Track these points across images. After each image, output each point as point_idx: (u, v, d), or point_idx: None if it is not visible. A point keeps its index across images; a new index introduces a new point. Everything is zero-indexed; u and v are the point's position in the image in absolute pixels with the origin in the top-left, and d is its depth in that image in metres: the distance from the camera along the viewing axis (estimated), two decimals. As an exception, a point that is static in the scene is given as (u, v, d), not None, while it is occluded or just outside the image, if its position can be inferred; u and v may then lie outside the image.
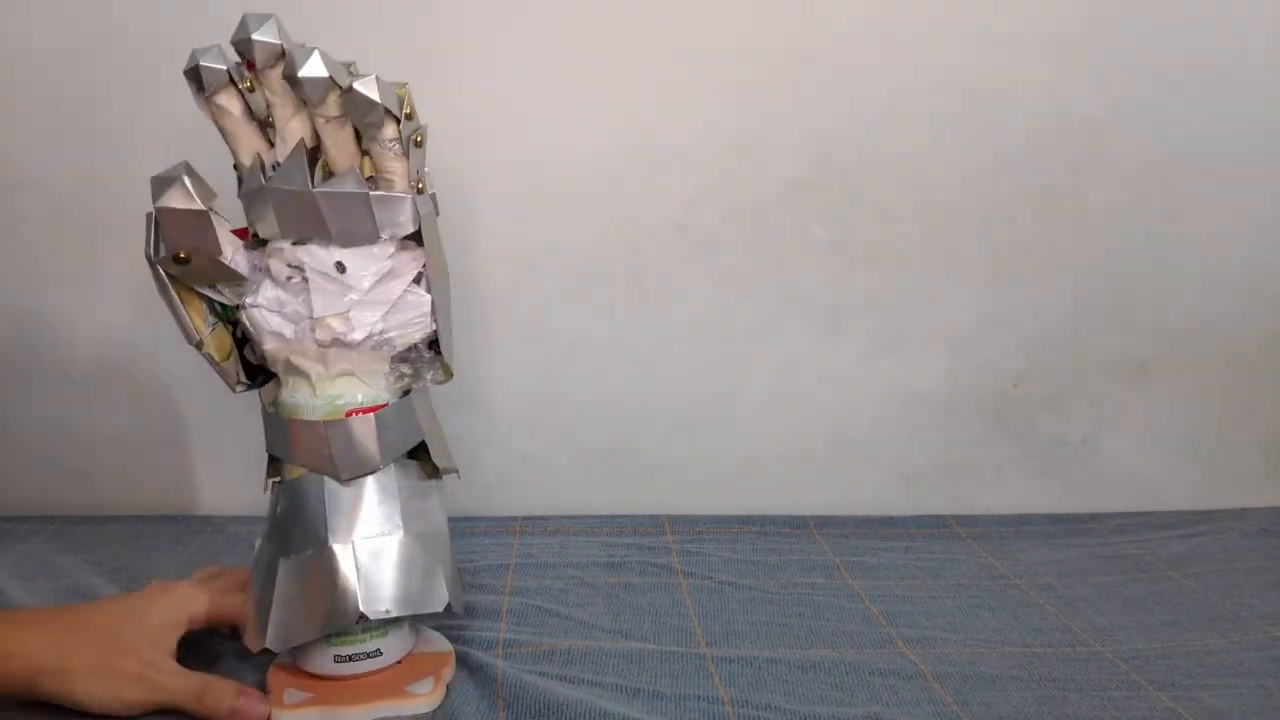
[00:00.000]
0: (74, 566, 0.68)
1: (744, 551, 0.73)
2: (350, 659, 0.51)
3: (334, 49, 0.46)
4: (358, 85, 0.45)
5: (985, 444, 0.82)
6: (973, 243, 0.78)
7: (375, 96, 0.45)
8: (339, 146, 0.48)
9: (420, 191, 0.50)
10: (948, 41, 0.73)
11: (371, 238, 0.49)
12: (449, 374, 0.53)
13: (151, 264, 0.48)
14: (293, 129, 0.47)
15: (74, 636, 0.48)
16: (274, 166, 0.48)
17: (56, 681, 0.47)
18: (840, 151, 0.75)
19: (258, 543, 0.53)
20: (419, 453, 0.54)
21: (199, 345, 0.50)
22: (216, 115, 0.47)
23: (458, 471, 0.56)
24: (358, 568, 0.49)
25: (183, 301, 0.49)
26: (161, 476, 0.80)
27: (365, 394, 0.51)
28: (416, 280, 0.51)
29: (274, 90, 0.47)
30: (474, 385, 0.78)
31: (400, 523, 0.51)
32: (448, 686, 0.53)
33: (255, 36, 0.44)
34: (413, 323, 0.51)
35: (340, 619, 0.49)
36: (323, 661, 0.51)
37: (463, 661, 0.55)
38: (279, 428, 0.51)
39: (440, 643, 0.56)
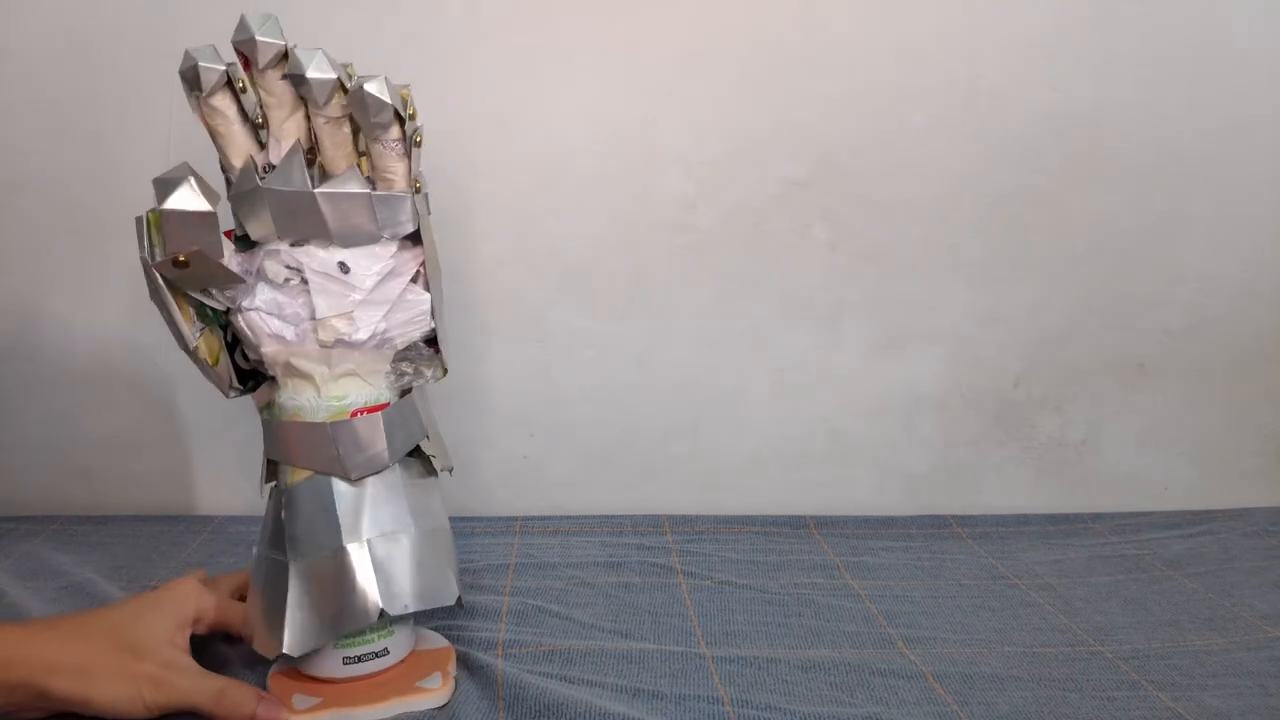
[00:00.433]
0: (74, 566, 0.68)
1: (744, 551, 0.73)
2: (359, 660, 0.51)
3: (331, 49, 0.46)
4: (369, 86, 0.45)
5: (985, 444, 0.83)
6: (972, 243, 0.78)
7: (386, 97, 0.45)
8: (338, 146, 0.48)
9: (417, 191, 0.50)
10: (948, 41, 0.73)
11: (372, 237, 0.49)
12: (444, 370, 0.54)
13: (147, 268, 0.47)
14: (288, 130, 0.47)
15: (87, 638, 0.47)
16: (265, 168, 0.48)
17: (74, 683, 0.45)
18: (840, 151, 0.75)
19: (255, 549, 0.53)
20: (416, 450, 0.55)
21: (194, 351, 0.50)
22: (209, 116, 0.47)
23: (452, 468, 0.56)
24: (374, 566, 0.49)
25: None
26: (161, 476, 0.80)
27: (368, 394, 0.51)
28: (413, 279, 0.51)
29: (270, 91, 0.46)
30: (474, 385, 0.78)
31: (410, 519, 0.52)
32: (455, 680, 0.53)
33: (259, 37, 0.44)
34: (413, 321, 0.51)
35: (361, 618, 0.49)
36: (331, 664, 0.51)
37: (463, 661, 0.55)
38: (279, 431, 0.51)
39: (437, 639, 0.57)
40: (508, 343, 0.78)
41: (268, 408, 0.52)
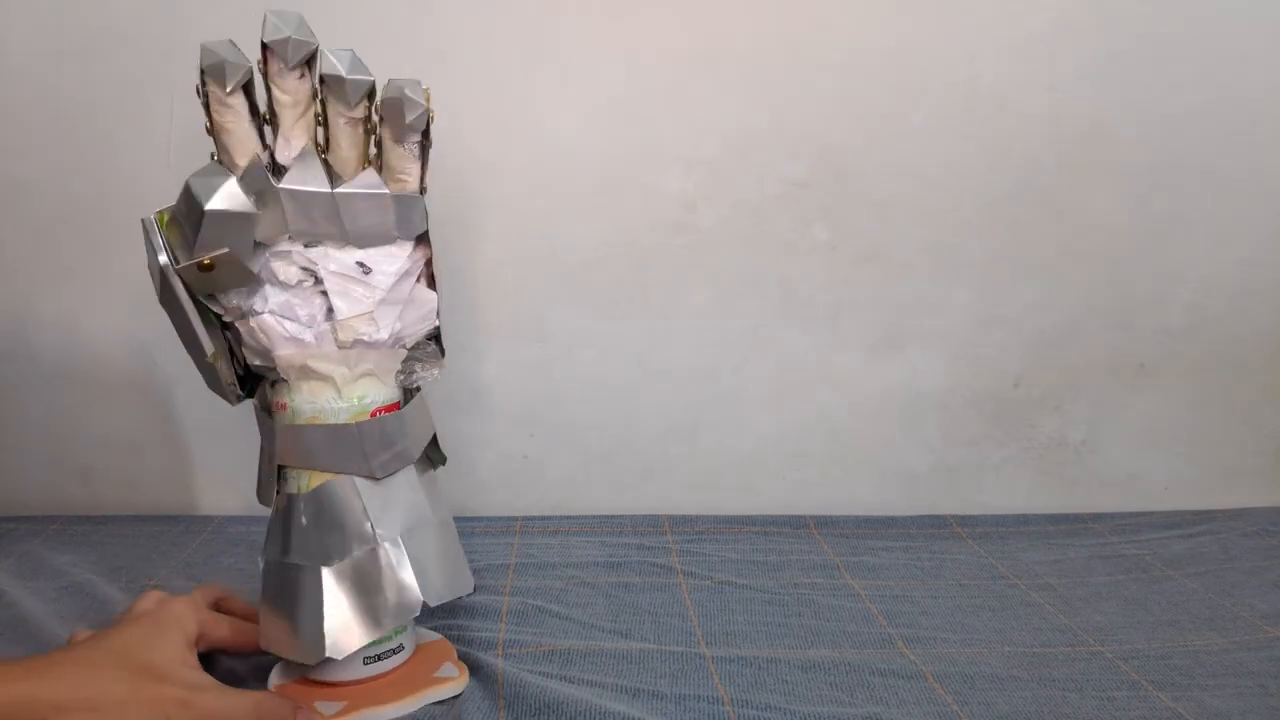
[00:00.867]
0: (74, 566, 0.68)
1: (744, 551, 0.73)
2: (379, 658, 0.51)
3: (331, 49, 0.46)
4: (408, 90, 0.46)
5: (985, 444, 0.83)
6: (973, 243, 0.78)
7: (423, 100, 0.46)
8: (354, 147, 0.48)
9: (423, 191, 0.50)
10: (948, 41, 0.73)
11: (386, 238, 0.49)
12: (442, 365, 0.54)
13: (164, 274, 0.45)
14: (300, 130, 0.47)
15: (98, 670, 0.44)
16: (269, 168, 0.48)
17: None
18: (840, 151, 0.75)
19: (262, 561, 0.52)
20: None
21: (214, 357, 0.48)
22: (221, 113, 0.45)
23: (445, 459, 0.57)
24: (410, 560, 0.50)
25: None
26: (161, 476, 0.80)
27: (385, 393, 0.51)
28: (417, 278, 0.52)
29: (286, 90, 0.46)
30: (474, 385, 0.78)
31: (429, 512, 0.52)
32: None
33: (295, 36, 0.44)
34: (424, 319, 0.52)
35: (407, 612, 0.50)
36: (351, 666, 0.51)
37: (463, 661, 0.55)
38: (297, 435, 0.49)
39: (429, 634, 0.57)
40: (508, 343, 0.78)
41: (271, 412, 0.51)
